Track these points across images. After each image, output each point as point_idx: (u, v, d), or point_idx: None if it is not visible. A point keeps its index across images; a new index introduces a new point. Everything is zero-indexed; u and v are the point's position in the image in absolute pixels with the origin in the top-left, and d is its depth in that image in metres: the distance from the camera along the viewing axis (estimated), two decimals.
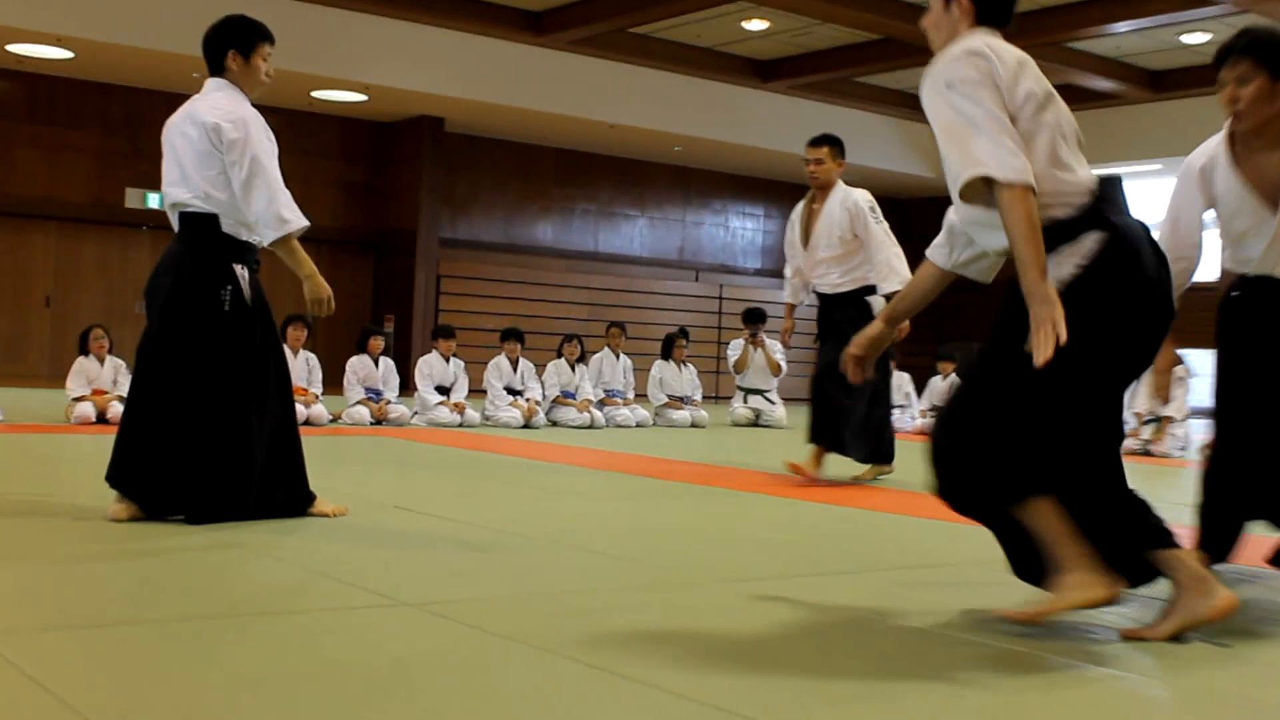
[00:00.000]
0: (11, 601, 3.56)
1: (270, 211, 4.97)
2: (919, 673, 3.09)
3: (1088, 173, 3.54)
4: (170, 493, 4.99)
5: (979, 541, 4.04)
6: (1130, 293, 3.39)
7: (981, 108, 3.40)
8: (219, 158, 5.00)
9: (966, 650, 3.30)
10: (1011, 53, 3.57)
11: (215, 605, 3.62)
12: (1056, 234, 3.39)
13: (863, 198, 7.70)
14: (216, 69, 5.23)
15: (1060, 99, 3.60)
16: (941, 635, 3.49)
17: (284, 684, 2.81)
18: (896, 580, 4.40)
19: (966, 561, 4.81)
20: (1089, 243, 3.39)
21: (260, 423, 5.08)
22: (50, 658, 2.93)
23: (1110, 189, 3.52)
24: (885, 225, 7.63)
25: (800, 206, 8.03)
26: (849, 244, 7.67)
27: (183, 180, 5.06)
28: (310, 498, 5.29)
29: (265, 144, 5.08)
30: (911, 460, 7.25)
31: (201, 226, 5.07)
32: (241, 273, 5.14)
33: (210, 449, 4.97)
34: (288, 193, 5.05)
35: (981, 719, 2.74)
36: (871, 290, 7.64)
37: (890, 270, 7.44)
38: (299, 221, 5.00)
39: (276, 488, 5.16)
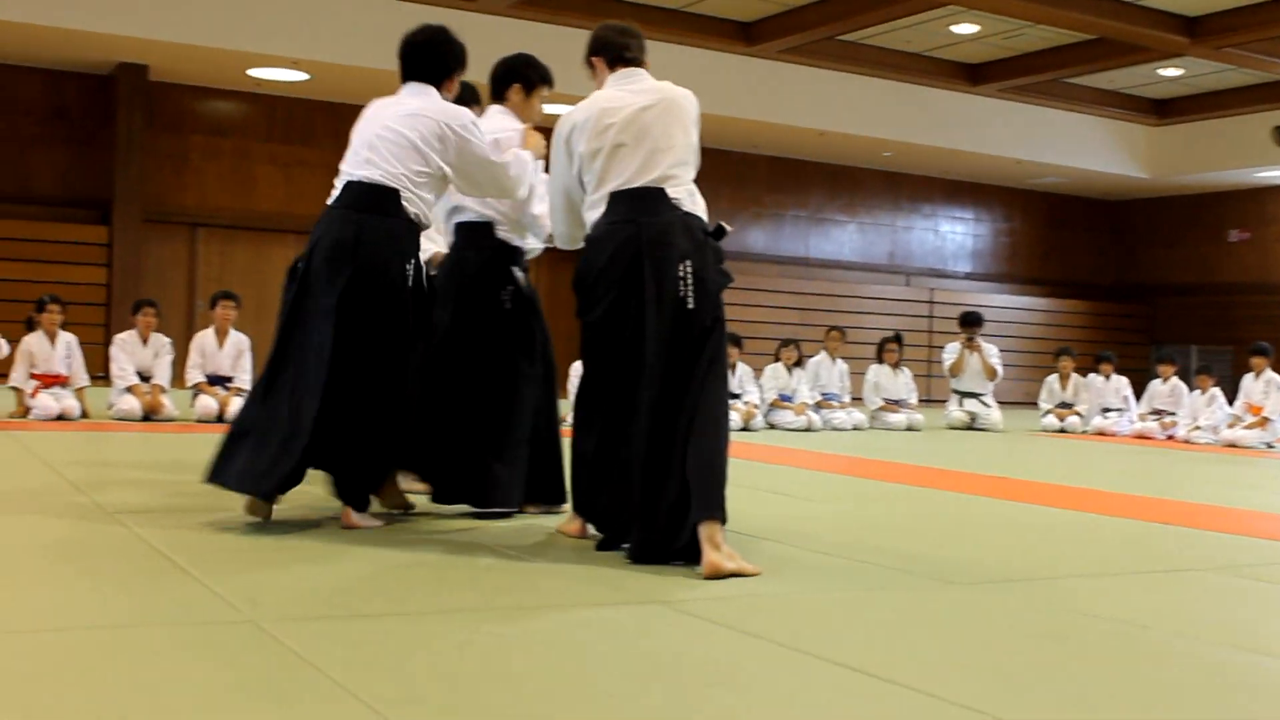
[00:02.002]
0: (296, 593, 3.71)
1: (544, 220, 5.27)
2: None
3: None
4: (462, 481, 5.27)
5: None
6: None
7: None
8: None
9: None
10: None
11: (468, 599, 3.73)
12: None
13: None
14: (498, 97, 5.65)
15: None
16: None
17: (534, 678, 2.89)
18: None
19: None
20: None
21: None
22: (323, 644, 3.06)
23: None
24: None
25: None
26: None
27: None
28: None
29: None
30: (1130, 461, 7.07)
31: (480, 233, 5.38)
32: (518, 274, 5.39)
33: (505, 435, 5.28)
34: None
35: None
36: None
37: None
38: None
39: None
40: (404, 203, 4.93)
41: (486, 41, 16.11)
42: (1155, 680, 3.07)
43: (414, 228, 4.99)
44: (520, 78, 5.67)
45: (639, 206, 4.46)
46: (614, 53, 4.81)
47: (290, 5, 15.02)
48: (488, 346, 5.30)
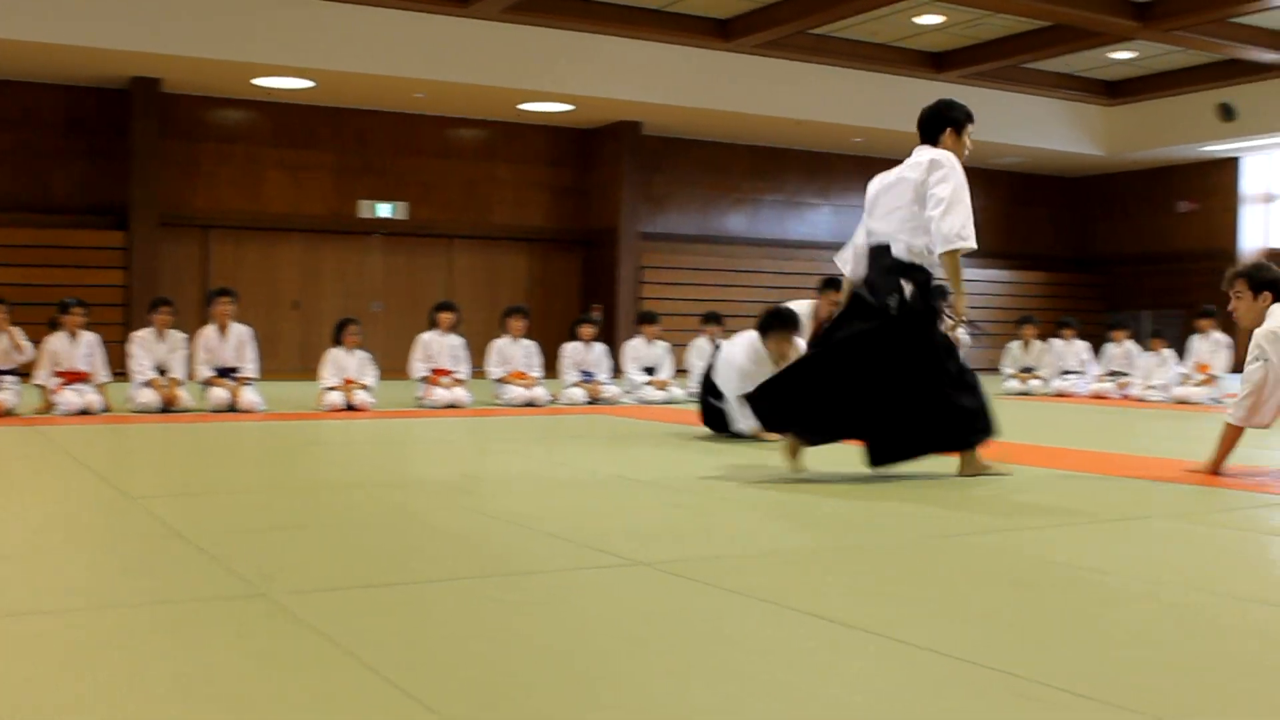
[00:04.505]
0: (312, 565, 3.72)
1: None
2: None
3: None
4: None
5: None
6: None
7: None
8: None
9: None
10: None
11: (469, 566, 3.74)
12: None
13: None
14: (930, 139, 5.95)
15: None
16: None
17: (533, 639, 2.90)
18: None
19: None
20: None
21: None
22: (333, 614, 3.07)
23: None
24: None
25: None
26: None
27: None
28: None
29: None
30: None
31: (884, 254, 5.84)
32: (906, 285, 5.72)
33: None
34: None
35: None
36: None
37: None
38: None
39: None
40: None
41: (479, 45, 16.18)
42: (1114, 621, 3.09)
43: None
44: (951, 122, 5.96)
45: None
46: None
47: (293, 17, 14.97)
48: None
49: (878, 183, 6.04)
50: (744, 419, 7.80)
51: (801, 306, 8.44)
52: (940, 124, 5.91)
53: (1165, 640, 2.92)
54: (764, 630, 2.97)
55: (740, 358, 8.08)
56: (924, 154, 5.85)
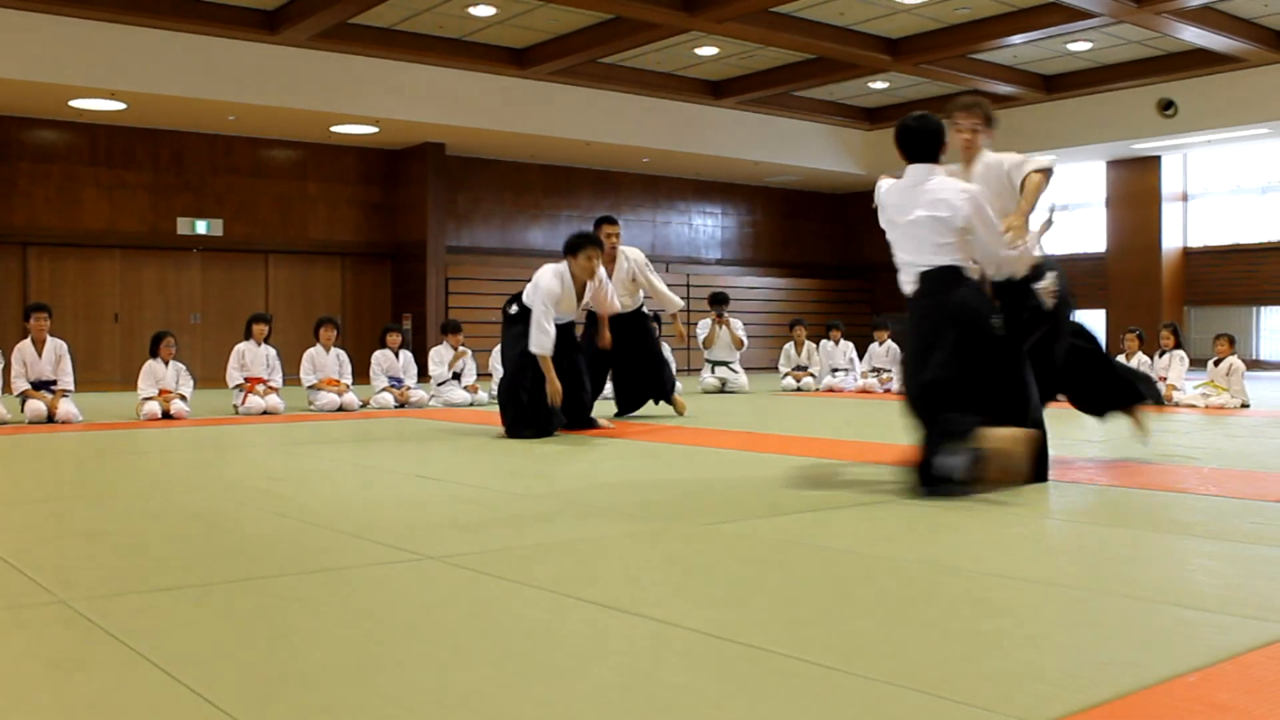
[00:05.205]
0: (110, 571, 3.57)
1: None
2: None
3: None
4: None
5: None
6: None
7: None
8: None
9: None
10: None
11: (265, 567, 3.64)
12: None
13: None
14: (934, 157, 5.47)
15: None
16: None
17: (318, 634, 2.84)
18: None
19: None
20: None
21: None
22: (128, 619, 2.95)
23: None
24: None
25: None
26: None
27: None
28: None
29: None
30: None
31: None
32: None
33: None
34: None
35: None
36: None
37: None
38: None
39: None
40: None
41: (288, 71, 15.78)
42: (861, 594, 3.17)
43: None
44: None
45: None
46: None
47: (107, 41, 14.36)
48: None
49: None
50: (541, 333, 8.16)
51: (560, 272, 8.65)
52: (941, 141, 5.52)
53: (901, 608, 3.01)
54: (536, 615, 2.96)
55: (548, 281, 8.36)
56: (941, 171, 5.49)
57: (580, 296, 8.67)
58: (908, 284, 5.47)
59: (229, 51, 15.16)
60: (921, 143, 5.47)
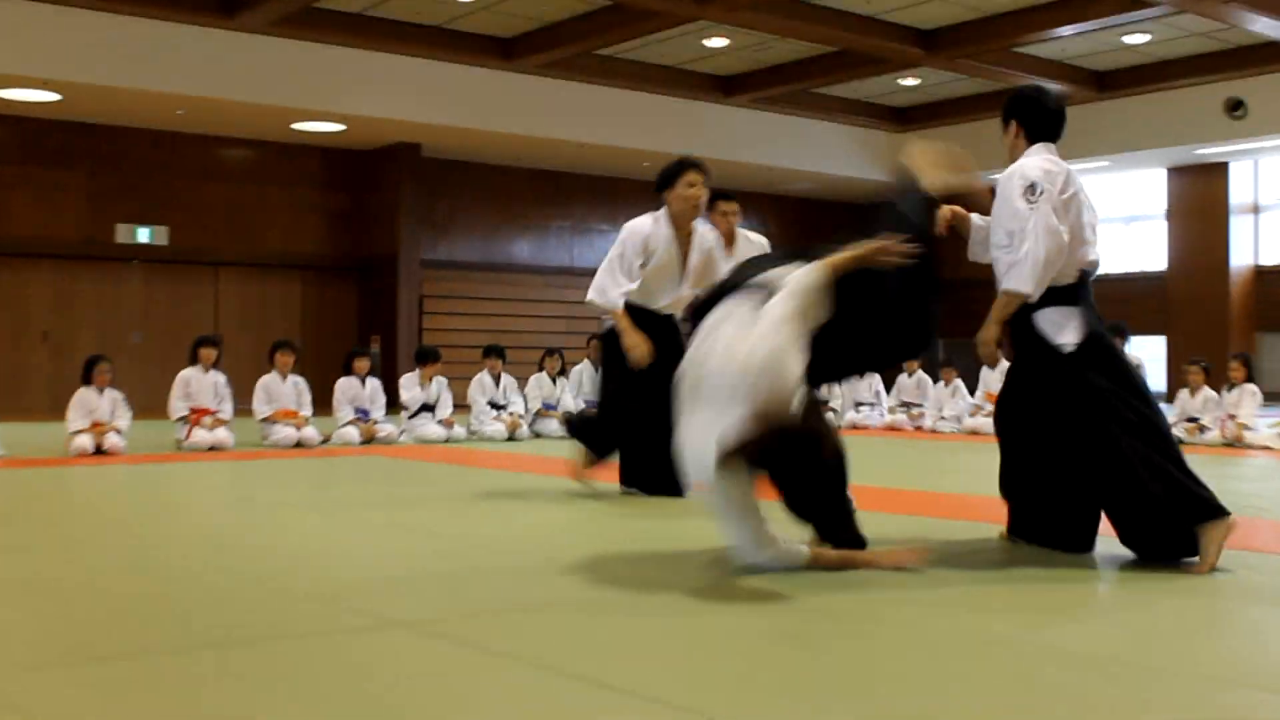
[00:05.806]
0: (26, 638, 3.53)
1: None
2: None
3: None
4: None
5: None
6: None
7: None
8: None
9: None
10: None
11: (210, 633, 3.60)
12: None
13: None
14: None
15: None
16: None
17: (256, 707, 2.80)
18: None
19: None
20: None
21: None
22: (41, 697, 2.91)
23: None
24: None
25: None
26: None
27: None
28: None
29: None
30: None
31: None
32: None
33: None
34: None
35: None
36: None
37: None
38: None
39: None
40: None
41: (245, 60, 15.85)
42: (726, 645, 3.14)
43: None
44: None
45: None
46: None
47: (35, 24, 14.37)
48: None
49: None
50: (612, 281, 7.24)
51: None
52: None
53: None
54: (486, 681, 2.92)
55: (636, 220, 7.45)
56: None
57: (685, 256, 7.25)
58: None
59: (178, 37, 15.18)
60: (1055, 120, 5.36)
